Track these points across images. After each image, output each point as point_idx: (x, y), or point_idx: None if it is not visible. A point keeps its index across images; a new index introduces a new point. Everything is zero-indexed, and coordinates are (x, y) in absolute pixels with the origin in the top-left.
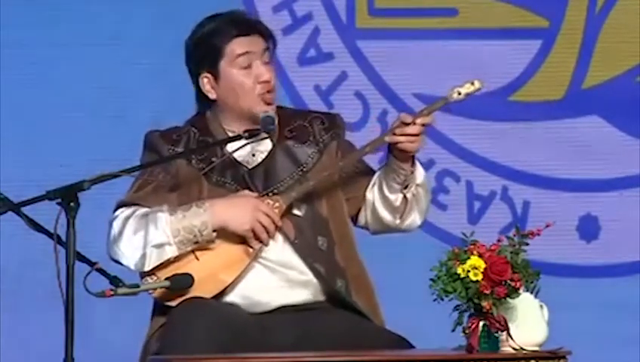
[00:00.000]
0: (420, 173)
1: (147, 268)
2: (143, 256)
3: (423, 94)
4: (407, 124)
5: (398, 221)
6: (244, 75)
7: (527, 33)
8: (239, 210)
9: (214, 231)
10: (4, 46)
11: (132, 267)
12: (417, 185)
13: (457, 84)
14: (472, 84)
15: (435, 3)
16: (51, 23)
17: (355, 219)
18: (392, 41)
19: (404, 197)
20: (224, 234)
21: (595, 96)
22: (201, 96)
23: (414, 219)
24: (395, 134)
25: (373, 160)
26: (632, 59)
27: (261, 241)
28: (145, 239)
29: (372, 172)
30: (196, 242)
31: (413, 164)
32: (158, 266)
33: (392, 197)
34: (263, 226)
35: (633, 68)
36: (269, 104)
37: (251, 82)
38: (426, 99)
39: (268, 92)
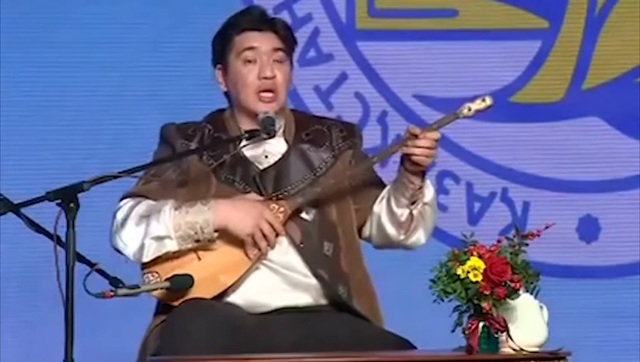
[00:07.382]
0: (428, 191)
1: (145, 259)
2: (142, 247)
3: (422, 95)
4: (416, 136)
5: (402, 236)
6: (247, 69)
7: (526, 34)
8: (243, 214)
9: (216, 230)
10: (4, 46)
11: (131, 257)
12: (425, 203)
13: (456, 85)
14: (484, 100)
15: (435, 4)
16: (54, 25)
17: (359, 231)
18: (391, 42)
19: (410, 213)
20: (226, 235)
21: (595, 97)
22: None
23: (419, 236)
24: (407, 146)
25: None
26: (631, 60)
27: (259, 249)
28: (146, 230)
29: (382, 185)
30: (197, 240)
31: (423, 180)
32: (158, 262)
33: (398, 211)
34: (264, 234)
35: (633, 69)
36: (267, 103)
37: (253, 78)
38: (425, 100)
39: (268, 90)
